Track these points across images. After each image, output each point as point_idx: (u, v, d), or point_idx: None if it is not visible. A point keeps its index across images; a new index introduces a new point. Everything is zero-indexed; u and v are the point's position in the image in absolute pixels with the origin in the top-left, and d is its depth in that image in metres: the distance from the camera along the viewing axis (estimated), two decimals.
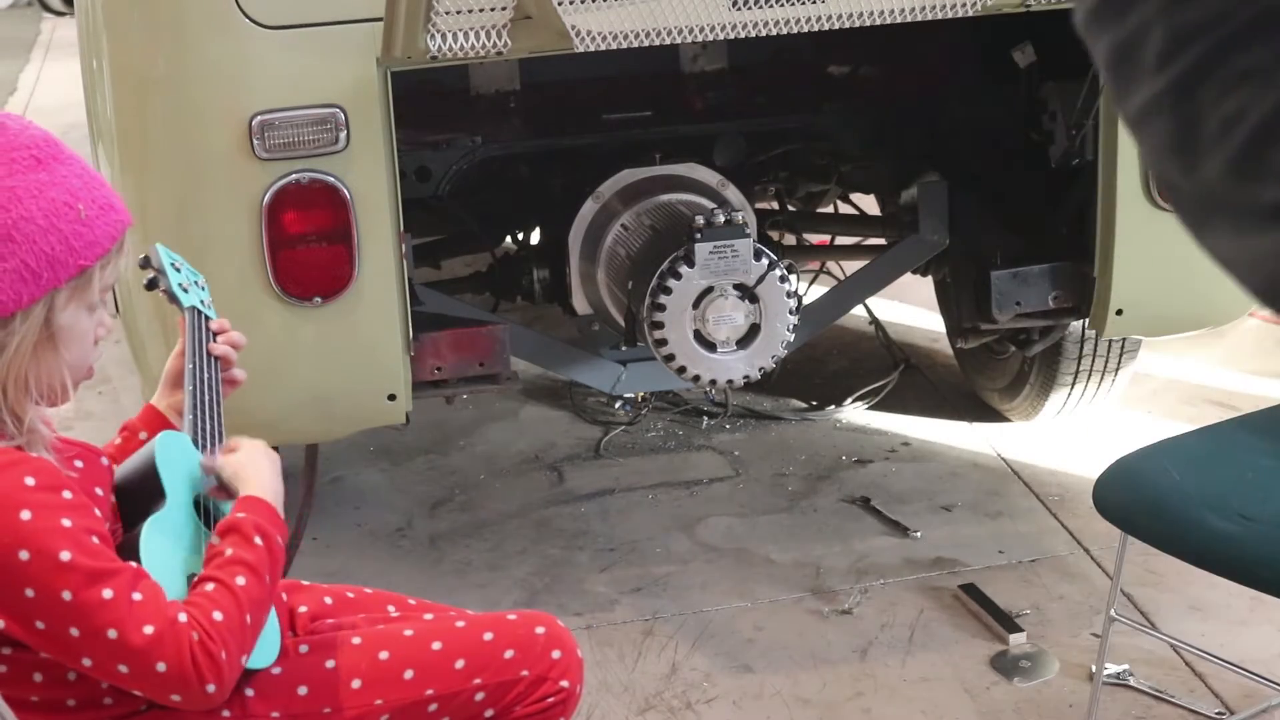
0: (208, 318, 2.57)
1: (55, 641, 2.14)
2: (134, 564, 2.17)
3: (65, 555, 2.09)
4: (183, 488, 2.36)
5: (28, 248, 2.15)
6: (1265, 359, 5.41)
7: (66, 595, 2.09)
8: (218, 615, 2.15)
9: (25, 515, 2.10)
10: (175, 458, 2.37)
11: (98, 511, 2.20)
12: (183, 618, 2.12)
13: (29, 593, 2.10)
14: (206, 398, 2.46)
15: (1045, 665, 3.70)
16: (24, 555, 2.09)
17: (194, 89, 3.43)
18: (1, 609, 2.14)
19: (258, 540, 2.24)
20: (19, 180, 2.16)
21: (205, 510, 2.37)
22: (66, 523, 2.12)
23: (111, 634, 2.10)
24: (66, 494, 2.15)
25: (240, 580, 2.20)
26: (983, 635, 3.84)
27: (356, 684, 2.42)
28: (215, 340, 2.55)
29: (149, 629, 2.10)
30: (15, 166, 2.17)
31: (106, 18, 3.53)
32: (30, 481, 2.12)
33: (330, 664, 2.42)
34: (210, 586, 2.19)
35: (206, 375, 2.49)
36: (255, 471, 2.36)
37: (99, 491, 2.28)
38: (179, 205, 3.48)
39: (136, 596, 2.11)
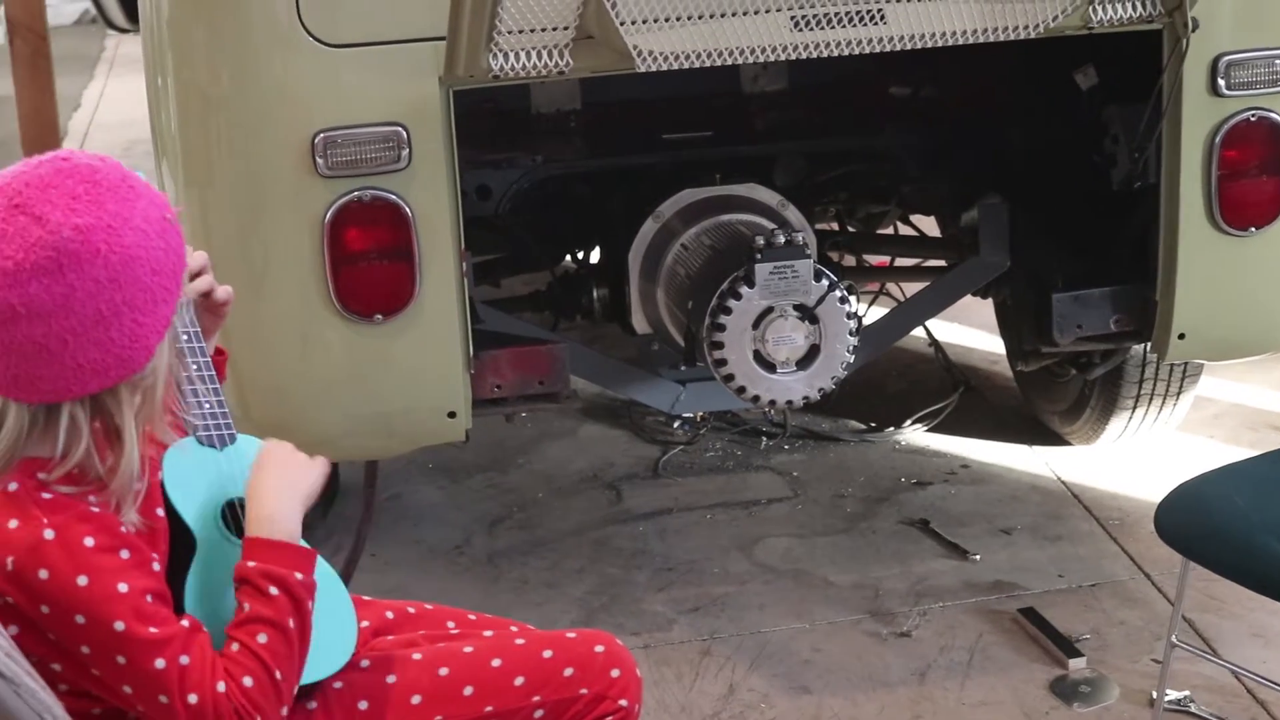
0: None
1: (110, 692, 2.18)
2: (184, 622, 2.18)
3: (119, 625, 2.11)
4: (207, 512, 2.32)
5: (154, 271, 2.14)
6: None
7: (120, 660, 2.13)
8: (248, 681, 2.16)
9: (82, 581, 2.11)
10: (186, 481, 2.32)
11: (156, 565, 2.20)
12: (221, 688, 2.14)
13: (85, 650, 2.14)
14: (196, 363, 2.38)
15: (1105, 691, 3.67)
16: (80, 619, 2.12)
17: (257, 106, 3.45)
18: (62, 659, 2.17)
19: (272, 590, 2.22)
20: (127, 208, 2.13)
21: (235, 517, 2.34)
22: (123, 587, 2.13)
23: (162, 699, 2.14)
24: (124, 553, 2.15)
25: (261, 639, 2.20)
26: (1042, 660, 3.82)
27: (416, 699, 2.42)
28: None
29: (193, 698, 2.13)
30: (115, 195, 2.14)
31: (171, 35, 3.55)
32: (89, 543, 2.13)
33: (391, 679, 2.43)
34: (236, 647, 2.19)
35: (186, 332, 2.39)
36: (263, 494, 2.30)
37: (159, 513, 2.28)
38: (241, 222, 3.50)
39: (184, 661, 2.14)
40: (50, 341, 2.09)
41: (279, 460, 2.35)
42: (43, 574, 2.10)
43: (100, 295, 2.09)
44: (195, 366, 2.39)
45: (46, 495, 2.14)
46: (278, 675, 2.18)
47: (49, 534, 2.11)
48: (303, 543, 2.31)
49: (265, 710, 2.16)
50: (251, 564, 2.23)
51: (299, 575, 2.24)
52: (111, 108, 10.39)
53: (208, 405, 2.38)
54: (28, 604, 2.12)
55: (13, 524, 2.12)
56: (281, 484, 2.32)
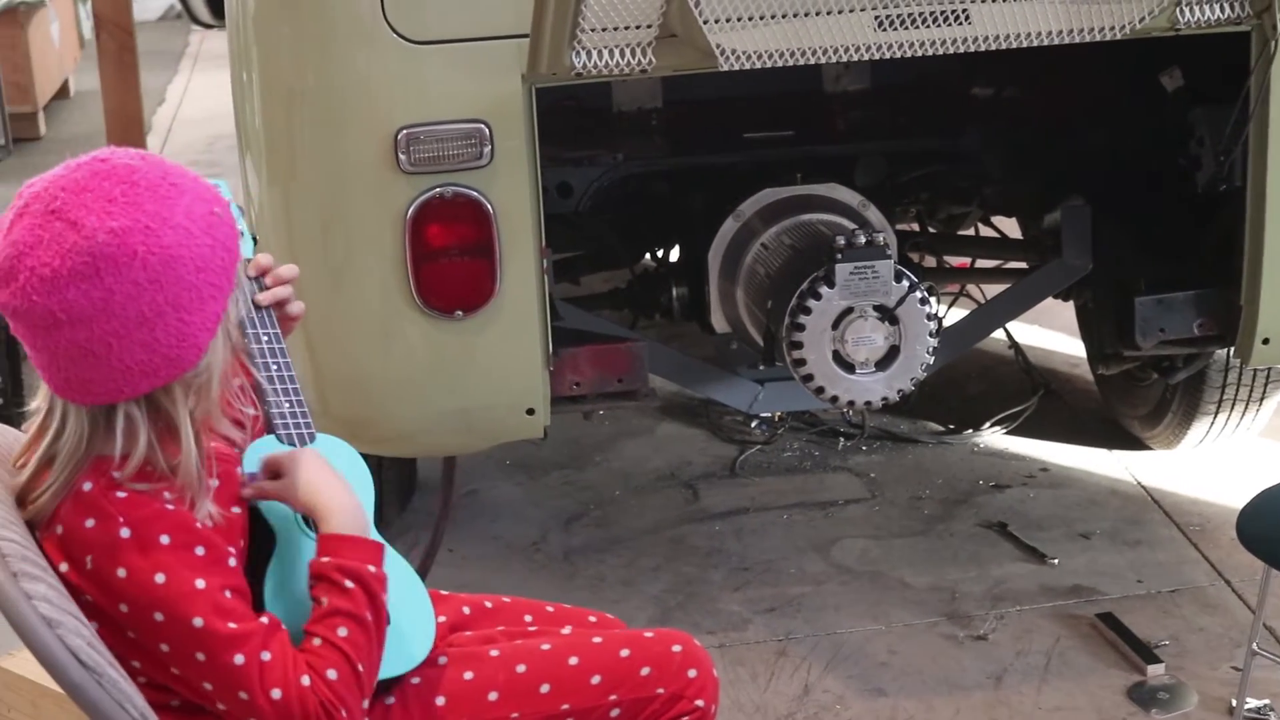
0: (246, 260, 2.33)
1: (190, 689, 2.18)
2: (263, 618, 2.19)
3: (198, 621, 2.11)
4: (286, 509, 2.32)
5: (199, 268, 2.12)
6: None
7: (200, 656, 2.13)
8: (332, 674, 2.17)
9: (159, 579, 2.11)
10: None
11: (232, 561, 2.20)
12: (306, 681, 2.14)
13: (164, 648, 2.14)
14: (277, 364, 2.38)
15: (1184, 697, 3.65)
16: (159, 617, 2.12)
17: (341, 102, 3.47)
18: (141, 656, 2.18)
19: (348, 584, 2.21)
20: (166, 207, 2.10)
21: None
22: (200, 584, 2.13)
23: (242, 695, 2.14)
24: (200, 549, 2.15)
25: (342, 631, 2.19)
26: (1120, 665, 3.79)
27: (493, 696, 2.42)
28: (260, 288, 2.40)
29: (276, 693, 2.13)
30: (153, 195, 2.11)
31: (257, 31, 3.58)
32: (165, 540, 2.13)
33: (468, 675, 2.43)
34: (317, 642, 2.19)
35: (266, 333, 2.38)
36: (324, 497, 2.27)
37: (235, 510, 2.27)
38: (324, 217, 3.51)
39: (265, 657, 2.14)
40: (94, 345, 2.08)
41: (317, 461, 2.31)
42: (120, 573, 2.11)
43: (141, 297, 2.07)
44: (275, 367, 2.39)
45: (121, 494, 2.14)
46: (360, 667, 2.19)
47: (125, 533, 2.12)
48: (376, 535, 2.32)
49: (349, 702, 2.17)
50: (326, 559, 2.23)
51: (371, 568, 2.24)
52: (195, 103, 10.46)
53: (288, 405, 2.39)
54: (107, 602, 2.13)
55: (89, 523, 2.13)
56: (338, 477, 2.31)
